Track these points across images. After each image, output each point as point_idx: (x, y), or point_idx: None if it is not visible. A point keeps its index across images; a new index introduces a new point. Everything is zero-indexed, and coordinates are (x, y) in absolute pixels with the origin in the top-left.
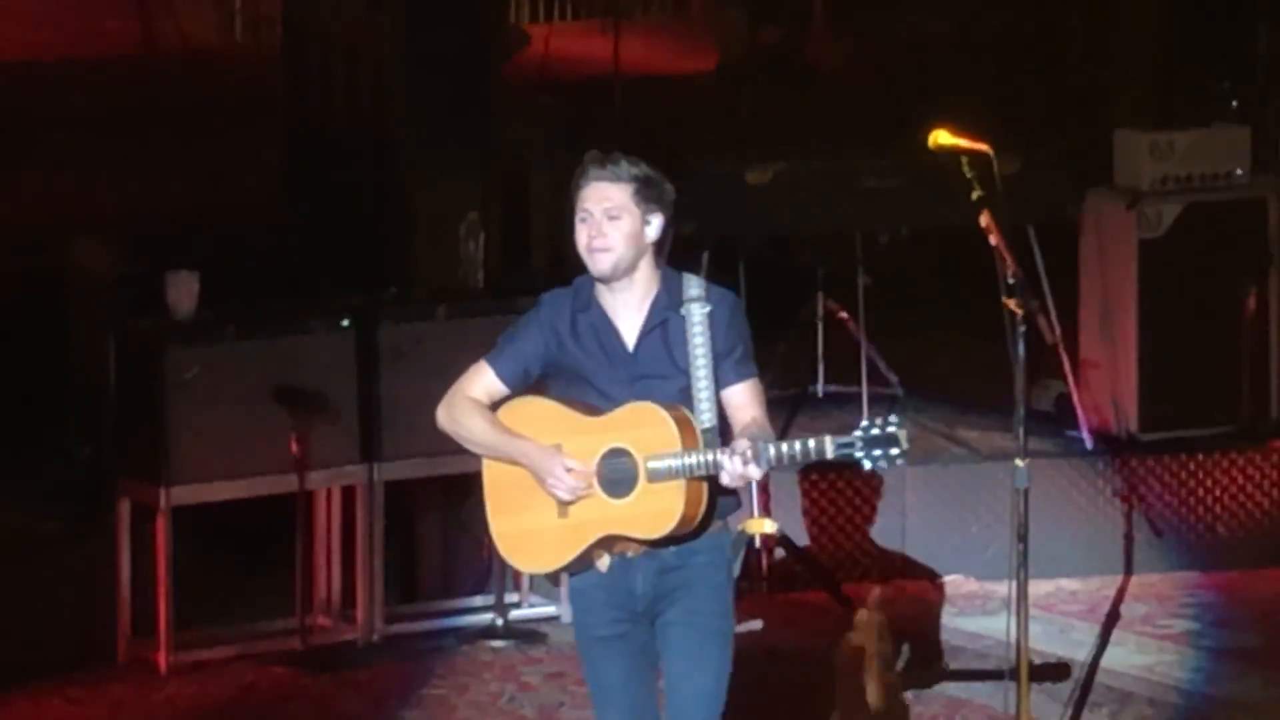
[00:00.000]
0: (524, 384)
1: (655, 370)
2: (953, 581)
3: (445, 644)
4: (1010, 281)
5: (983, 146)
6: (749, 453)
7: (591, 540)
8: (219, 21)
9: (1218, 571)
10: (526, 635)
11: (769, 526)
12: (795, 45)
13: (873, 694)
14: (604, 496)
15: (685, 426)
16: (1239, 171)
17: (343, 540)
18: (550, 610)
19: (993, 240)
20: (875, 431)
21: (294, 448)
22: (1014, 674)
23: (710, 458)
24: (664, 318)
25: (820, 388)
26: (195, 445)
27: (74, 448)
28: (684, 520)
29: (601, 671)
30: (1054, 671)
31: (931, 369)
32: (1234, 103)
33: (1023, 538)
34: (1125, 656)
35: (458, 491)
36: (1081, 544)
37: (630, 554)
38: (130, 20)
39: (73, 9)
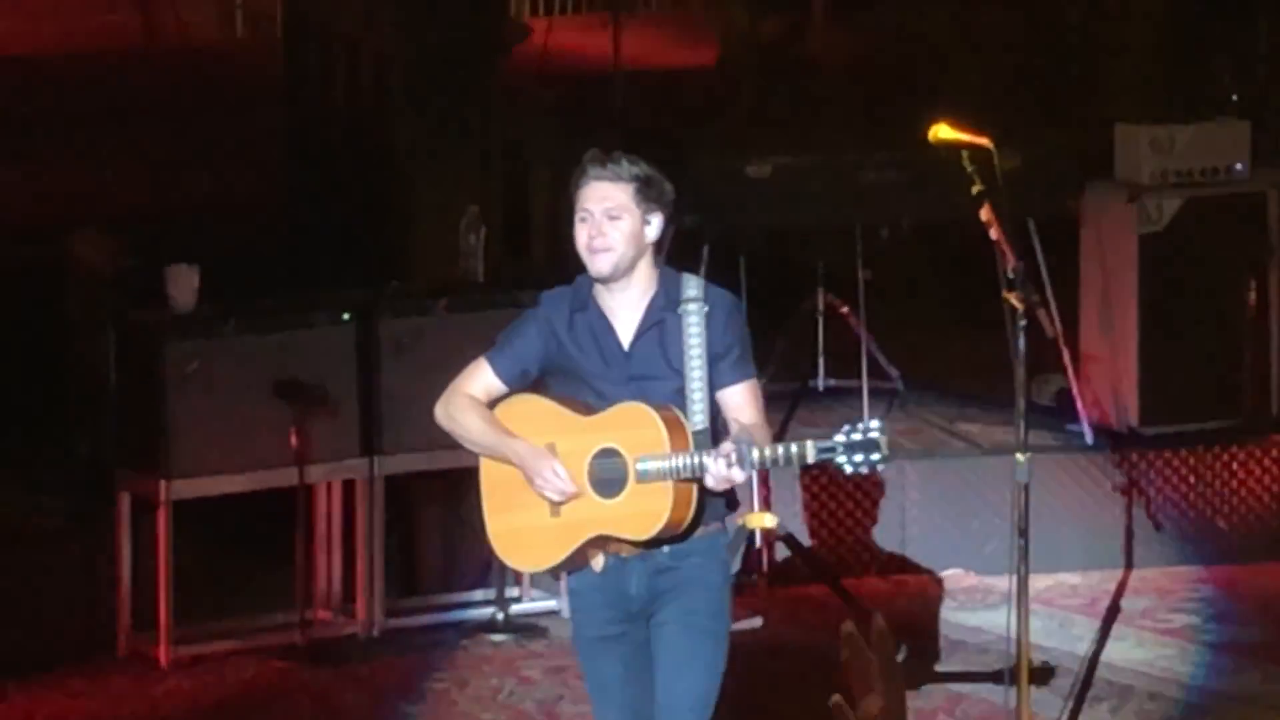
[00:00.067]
0: (522, 383)
1: (651, 371)
2: (953, 576)
3: (446, 638)
4: (1011, 275)
5: (983, 140)
6: (733, 456)
7: (583, 540)
8: (219, 16)
9: (1218, 566)
10: (527, 629)
11: (769, 521)
12: (796, 39)
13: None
14: (595, 496)
15: (675, 427)
16: (1239, 166)
17: (343, 534)
18: (550, 604)
19: (993, 234)
20: (856, 436)
21: (294, 441)
22: (1012, 676)
23: (696, 460)
24: (660, 318)
25: (821, 382)
26: (195, 439)
27: (74, 441)
28: (671, 522)
29: (599, 671)
30: (1039, 675)
31: (932, 363)
32: (1234, 97)
33: (1023, 532)
34: (1126, 651)
35: (458, 486)
36: (1082, 538)
37: (624, 554)
38: (131, 14)
39: (74, 3)
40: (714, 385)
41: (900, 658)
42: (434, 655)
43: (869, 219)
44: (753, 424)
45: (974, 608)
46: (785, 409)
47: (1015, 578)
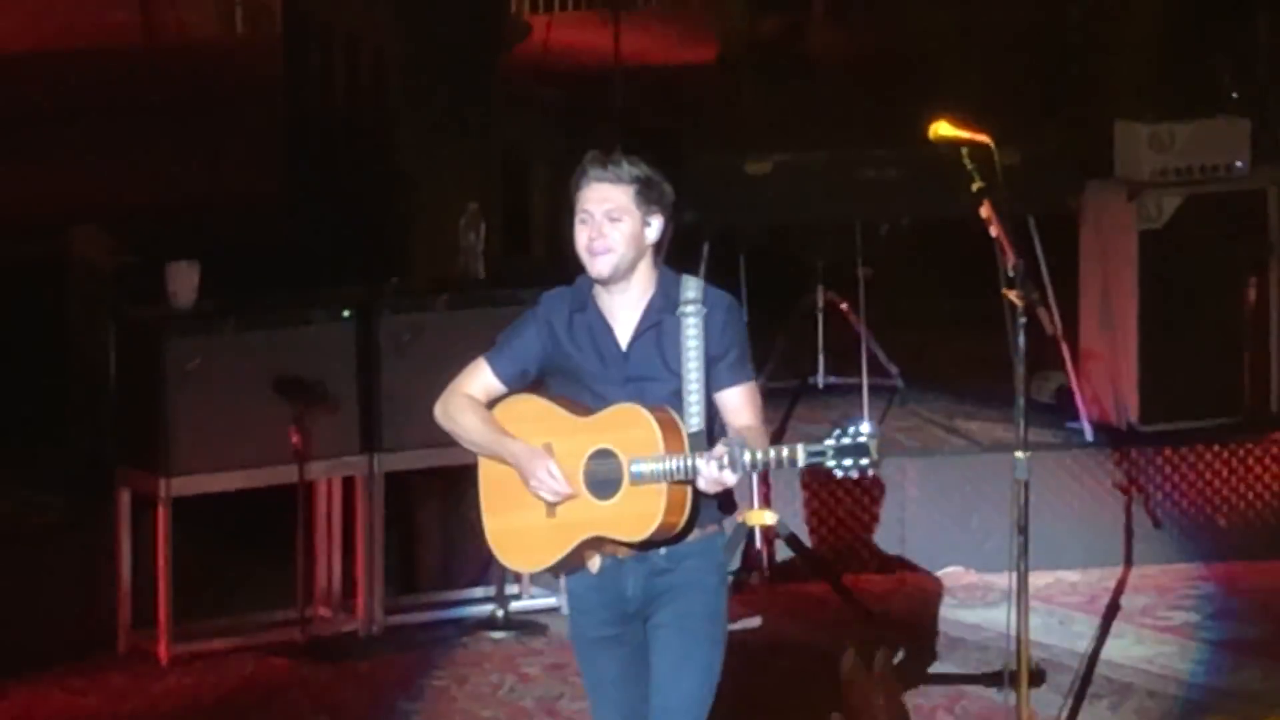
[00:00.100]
0: (522, 383)
1: (648, 372)
2: (953, 573)
3: (445, 635)
4: (1011, 273)
5: (983, 137)
6: (725, 458)
7: (578, 541)
8: (219, 12)
9: (1218, 563)
10: (527, 627)
11: (769, 518)
12: (795, 36)
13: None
14: (590, 498)
15: (670, 429)
16: (1239, 163)
17: (343, 531)
18: (550, 602)
19: (993, 231)
20: (846, 441)
21: (294, 438)
22: (1011, 679)
23: (689, 462)
24: (658, 319)
25: (821, 379)
26: (195, 436)
27: (74, 438)
28: (665, 524)
29: (597, 671)
30: (1031, 677)
31: (932, 360)
32: (1234, 94)
33: (1023, 529)
34: (1125, 648)
35: (458, 483)
36: (1082, 536)
37: (621, 556)
38: (131, 12)
39: (74, 1)
40: (712, 387)
41: (896, 659)
42: (434, 652)
43: (869, 216)
44: (749, 426)
45: (973, 605)
46: (785, 406)
47: (1015, 575)
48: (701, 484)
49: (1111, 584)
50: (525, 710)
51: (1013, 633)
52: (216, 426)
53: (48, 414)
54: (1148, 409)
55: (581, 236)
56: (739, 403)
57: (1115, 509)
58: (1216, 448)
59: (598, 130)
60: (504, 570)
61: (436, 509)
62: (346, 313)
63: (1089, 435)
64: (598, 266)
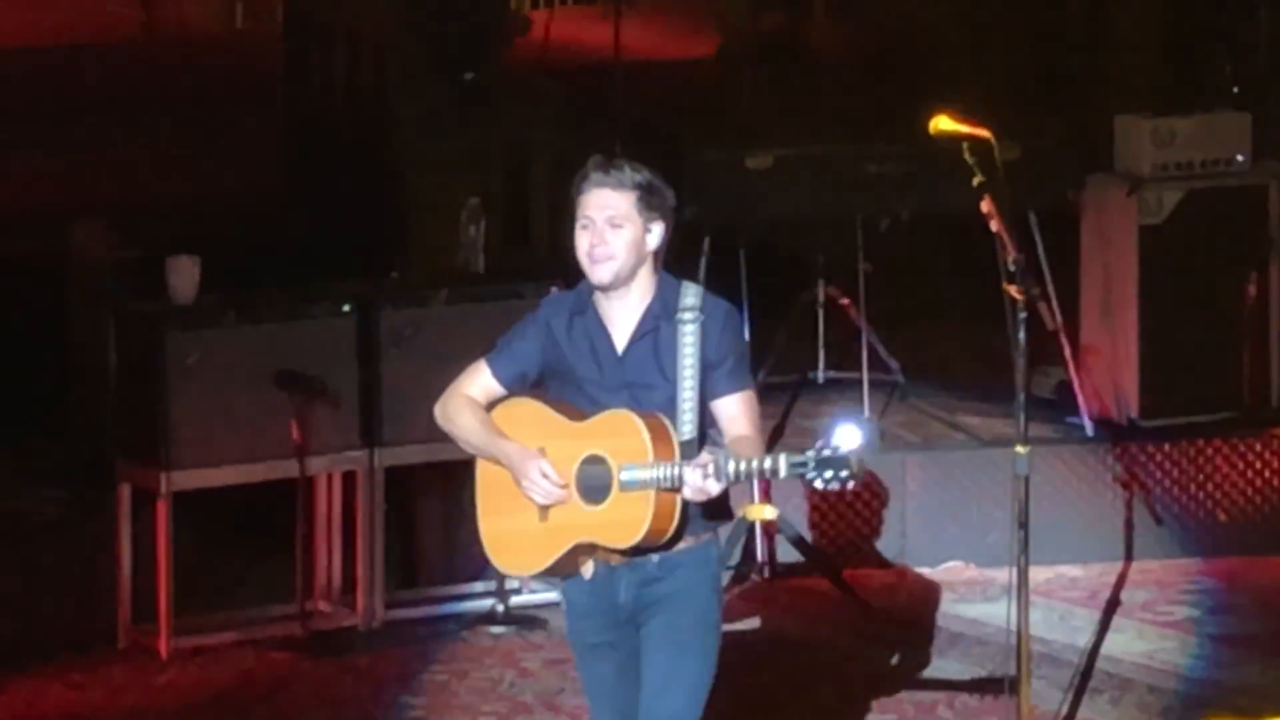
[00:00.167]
0: (521, 385)
1: (643, 378)
2: (953, 568)
3: (446, 630)
4: (1011, 267)
5: (984, 132)
6: (710, 468)
7: (568, 546)
8: (220, 8)
9: (1218, 558)
10: (527, 621)
11: (769, 513)
12: (796, 30)
13: None
14: (581, 503)
15: (660, 437)
16: (1240, 158)
17: (343, 526)
18: (551, 596)
19: (993, 226)
20: (827, 453)
21: (295, 433)
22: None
23: (676, 470)
24: (655, 326)
25: (821, 374)
26: (196, 430)
27: (74, 432)
28: (652, 531)
29: (593, 676)
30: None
31: (932, 355)
32: (1235, 89)
33: (1023, 524)
34: (1126, 643)
35: (458, 477)
36: (1082, 530)
37: (613, 563)
38: (132, 6)
39: None
40: (708, 395)
41: (894, 661)
42: (434, 647)
43: (869, 211)
44: (744, 436)
45: (974, 600)
46: (785, 401)
47: (1015, 570)
48: (686, 492)
49: (1112, 579)
50: (525, 705)
51: (1013, 628)
52: (217, 421)
53: (48, 408)
54: (1148, 404)
55: (582, 242)
56: (736, 410)
57: (1116, 504)
58: (1217, 442)
59: (598, 124)
60: None
61: (437, 503)
62: (347, 307)
63: (1089, 430)
64: (599, 273)
